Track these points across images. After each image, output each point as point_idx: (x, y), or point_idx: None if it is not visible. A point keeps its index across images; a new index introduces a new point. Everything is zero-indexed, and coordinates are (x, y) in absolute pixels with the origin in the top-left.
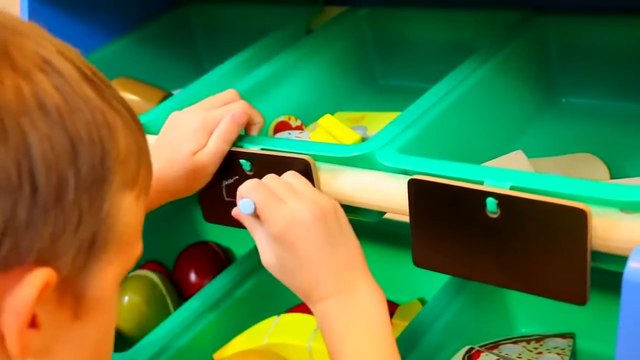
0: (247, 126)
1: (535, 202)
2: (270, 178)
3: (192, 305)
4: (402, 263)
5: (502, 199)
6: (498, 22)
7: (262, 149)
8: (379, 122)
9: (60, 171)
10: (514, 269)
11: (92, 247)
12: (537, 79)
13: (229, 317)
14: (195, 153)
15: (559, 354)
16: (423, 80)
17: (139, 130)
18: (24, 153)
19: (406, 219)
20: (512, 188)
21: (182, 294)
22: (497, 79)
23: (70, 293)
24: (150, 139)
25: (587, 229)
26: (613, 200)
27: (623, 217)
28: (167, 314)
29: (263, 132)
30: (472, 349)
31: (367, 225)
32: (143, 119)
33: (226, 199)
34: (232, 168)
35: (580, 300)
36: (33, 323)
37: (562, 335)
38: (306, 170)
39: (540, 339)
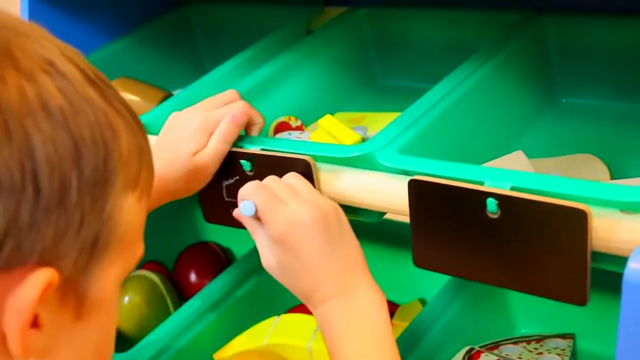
0: (248, 126)
1: (536, 202)
2: (271, 180)
3: (192, 305)
4: (402, 263)
5: (502, 199)
6: (498, 23)
7: (263, 150)
8: (379, 122)
9: (63, 172)
10: (514, 270)
11: (94, 248)
12: (537, 79)
13: (229, 317)
14: (195, 153)
15: (559, 354)
16: (423, 80)
17: (141, 132)
18: (27, 154)
19: (406, 219)
20: (512, 188)
21: (182, 294)
22: (497, 79)
23: (72, 294)
24: (151, 139)
25: (587, 230)
26: (613, 201)
27: (623, 218)
28: (167, 314)
29: (263, 133)
30: (472, 349)
31: (367, 225)
32: (143, 119)
33: (226, 199)
34: (232, 168)
35: (581, 301)
36: (35, 323)
37: (563, 336)
38: (306, 171)
39: (540, 339)
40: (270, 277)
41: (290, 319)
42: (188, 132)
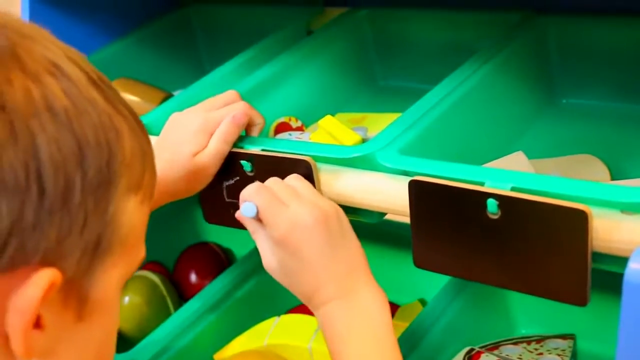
0: (248, 127)
1: (536, 203)
2: (272, 181)
3: (192, 306)
4: (402, 264)
5: (502, 200)
6: (498, 23)
7: (263, 150)
8: (379, 123)
9: (68, 173)
10: (514, 270)
11: (97, 249)
12: (538, 80)
13: (230, 317)
14: (195, 154)
15: (559, 354)
16: (423, 81)
17: (144, 135)
18: (32, 155)
19: (407, 220)
20: (512, 189)
21: (182, 295)
22: (497, 79)
23: (74, 295)
24: (151, 139)
25: (587, 230)
26: (614, 202)
27: (624, 218)
28: (168, 314)
29: (264, 133)
30: (472, 349)
31: (367, 226)
32: (144, 119)
33: (227, 199)
34: (232, 169)
35: (581, 301)
36: (38, 324)
37: (563, 336)
38: (307, 172)
39: (540, 339)
40: (271, 277)
41: (290, 320)
42: (188, 133)
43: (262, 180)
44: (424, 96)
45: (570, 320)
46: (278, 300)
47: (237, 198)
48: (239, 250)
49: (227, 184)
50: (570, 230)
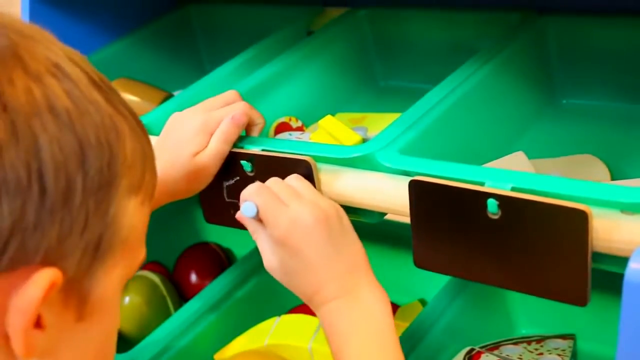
0: (248, 127)
1: (536, 203)
2: (273, 181)
3: (192, 306)
4: (402, 264)
5: (503, 200)
6: (498, 23)
7: (263, 150)
8: (379, 123)
9: (69, 173)
10: (514, 270)
11: (98, 250)
12: (538, 80)
13: (230, 318)
14: (196, 154)
15: (559, 354)
16: (424, 81)
17: (144, 136)
18: (34, 154)
19: (407, 220)
20: (513, 189)
21: (182, 295)
22: (497, 80)
23: (75, 295)
24: (151, 140)
25: (588, 230)
26: (614, 202)
27: (624, 219)
28: (168, 314)
29: (264, 133)
30: (472, 349)
31: (367, 226)
32: (144, 120)
33: (227, 200)
34: (233, 169)
35: (581, 302)
36: (38, 324)
37: (563, 336)
38: (307, 172)
39: (540, 339)
40: (271, 277)
41: (290, 320)
42: (189, 133)
43: (262, 180)
44: (424, 96)
45: (571, 320)
46: (278, 300)
47: (237, 198)
48: (239, 250)
49: (227, 184)
50: (570, 230)
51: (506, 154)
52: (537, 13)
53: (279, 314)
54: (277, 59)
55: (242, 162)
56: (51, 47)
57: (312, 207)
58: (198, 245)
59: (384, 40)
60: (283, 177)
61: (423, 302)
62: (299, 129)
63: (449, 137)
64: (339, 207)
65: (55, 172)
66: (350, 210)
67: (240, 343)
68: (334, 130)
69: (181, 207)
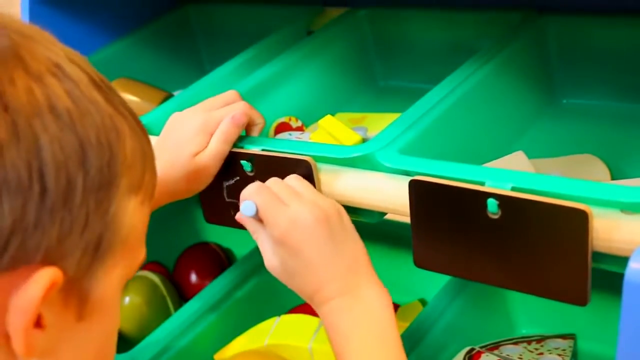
0: (248, 127)
1: (536, 203)
2: (273, 181)
3: (192, 306)
4: (402, 264)
5: (503, 199)
6: (498, 23)
7: (263, 150)
8: (379, 123)
9: (69, 172)
10: (514, 270)
11: (98, 250)
12: (538, 80)
13: (230, 318)
14: (196, 154)
15: (559, 354)
16: (424, 81)
17: (144, 136)
18: (34, 154)
19: (407, 219)
20: (513, 189)
21: (182, 295)
22: (497, 79)
23: (75, 294)
24: (151, 140)
25: (588, 230)
26: (614, 201)
27: (624, 218)
28: (168, 314)
29: (264, 133)
30: (472, 349)
31: (367, 226)
32: (144, 120)
33: (227, 199)
34: (233, 169)
35: (581, 301)
36: (38, 323)
37: (563, 336)
38: (307, 171)
39: (541, 339)
40: (271, 277)
41: (290, 320)
42: (189, 133)
43: (262, 180)
44: (424, 96)
45: (571, 320)
46: (278, 300)
47: (237, 198)
48: (239, 250)
49: (227, 184)
50: (570, 230)
51: (506, 154)
52: (537, 13)
53: (279, 314)
54: (277, 59)
55: (242, 162)
56: (51, 48)
57: (312, 206)
58: (198, 245)
59: (384, 40)
60: (283, 177)
61: (423, 302)
62: (299, 128)
63: (449, 136)
64: (340, 206)
65: (56, 171)
66: (350, 210)
67: (240, 343)
68: (333, 130)
69: (181, 207)
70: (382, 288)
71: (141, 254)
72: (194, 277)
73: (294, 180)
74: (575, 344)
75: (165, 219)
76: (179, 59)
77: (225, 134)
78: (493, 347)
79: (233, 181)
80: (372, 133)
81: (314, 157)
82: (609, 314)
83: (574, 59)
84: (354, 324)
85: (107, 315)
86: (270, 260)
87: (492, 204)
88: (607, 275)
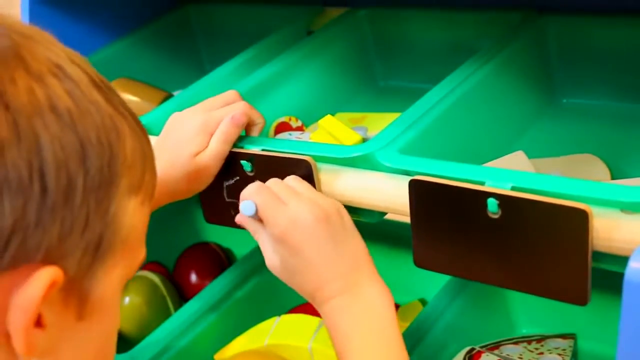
0: (248, 127)
1: (536, 202)
2: (272, 182)
3: (192, 306)
4: (402, 263)
5: (503, 199)
6: (498, 23)
7: (263, 150)
8: (379, 122)
9: (70, 172)
10: (515, 270)
11: (98, 249)
12: (538, 80)
13: (230, 318)
14: (196, 155)
15: (560, 354)
16: (424, 81)
17: (144, 137)
18: (35, 153)
19: (407, 219)
20: (513, 188)
21: (182, 295)
22: (497, 79)
23: (75, 294)
24: (151, 140)
25: (588, 230)
26: (614, 201)
27: (624, 218)
28: (168, 314)
29: (264, 133)
30: (473, 349)
31: (367, 225)
32: (144, 120)
33: (227, 199)
34: (233, 169)
35: (581, 301)
36: (39, 322)
37: (563, 336)
38: (307, 171)
39: (541, 339)
40: (271, 277)
41: (291, 320)
42: (189, 134)
43: (263, 180)
44: (424, 96)
45: (571, 319)
46: (278, 300)
47: (237, 198)
48: (239, 250)
49: (227, 184)
50: (570, 230)
51: (506, 154)
52: (537, 12)
53: (279, 314)
54: (277, 59)
55: (242, 162)
56: (52, 48)
57: (312, 205)
58: (198, 245)
59: (384, 40)
60: (283, 177)
61: (423, 301)
62: (299, 128)
63: (449, 136)
64: (341, 205)
65: (56, 171)
66: (350, 210)
67: (240, 343)
68: (333, 130)
69: (181, 207)
70: (383, 286)
71: (141, 254)
72: (194, 277)
73: (293, 180)
74: (575, 344)
75: (165, 219)
76: (179, 59)
77: (225, 134)
78: (493, 347)
79: (233, 181)
80: (372, 133)
81: (314, 157)
82: (609, 314)
83: (574, 59)
84: (356, 322)
85: (107, 315)
86: (271, 259)
87: (492, 204)
88: (607, 274)
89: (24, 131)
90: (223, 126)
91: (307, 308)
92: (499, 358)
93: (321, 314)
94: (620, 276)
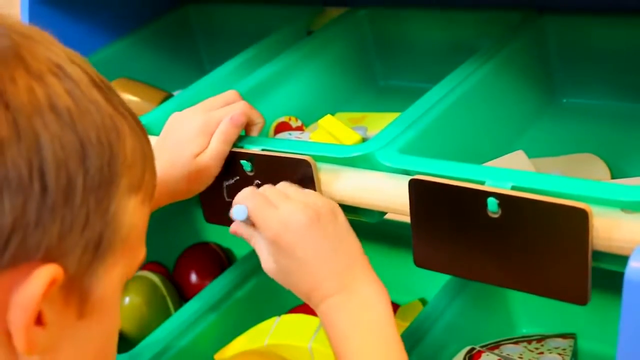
0: (248, 127)
1: (537, 202)
2: (264, 187)
3: (192, 306)
4: (402, 263)
5: (503, 199)
6: (498, 22)
7: (263, 150)
8: (379, 122)
9: (70, 171)
10: (515, 269)
11: (98, 248)
12: (538, 79)
13: (230, 318)
14: (197, 155)
15: (560, 354)
16: (423, 80)
17: (144, 136)
18: (35, 152)
19: (407, 219)
20: (513, 188)
21: (182, 295)
22: (497, 79)
23: (75, 292)
24: (151, 140)
25: (588, 229)
26: (614, 200)
27: (624, 217)
28: (168, 315)
29: (264, 133)
30: (473, 349)
31: (367, 225)
32: (144, 120)
33: (227, 199)
34: (233, 169)
35: (582, 300)
36: (39, 320)
37: (563, 336)
38: (307, 171)
39: (541, 339)
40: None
41: (290, 320)
42: (189, 134)
43: (262, 180)
44: (423, 95)
45: (571, 319)
46: (278, 300)
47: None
48: (239, 250)
49: (227, 183)
50: (570, 229)
51: (506, 153)
52: (537, 12)
53: (279, 314)
54: (277, 58)
55: (242, 161)
56: (52, 48)
57: (303, 206)
58: (198, 245)
59: (384, 40)
60: (283, 177)
61: (423, 301)
62: (299, 128)
63: (449, 136)
64: (335, 205)
65: (56, 170)
66: (350, 209)
67: (240, 343)
68: (333, 130)
69: (181, 207)
70: (379, 284)
71: (141, 253)
72: (194, 277)
73: (284, 185)
74: (575, 344)
75: (165, 219)
76: (179, 59)
77: (224, 134)
78: (493, 347)
79: (233, 181)
80: (372, 132)
81: (313, 156)
82: (609, 313)
83: (573, 59)
84: (353, 320)
85: (108, 313)
86: (267, 261)
87: (492, 203)
88: (607, 274)
89: (23, 130)
90: (222, 126)
91: (307, 308)
92: (499, 358)
93: (318, 313)
94: (620, 276)
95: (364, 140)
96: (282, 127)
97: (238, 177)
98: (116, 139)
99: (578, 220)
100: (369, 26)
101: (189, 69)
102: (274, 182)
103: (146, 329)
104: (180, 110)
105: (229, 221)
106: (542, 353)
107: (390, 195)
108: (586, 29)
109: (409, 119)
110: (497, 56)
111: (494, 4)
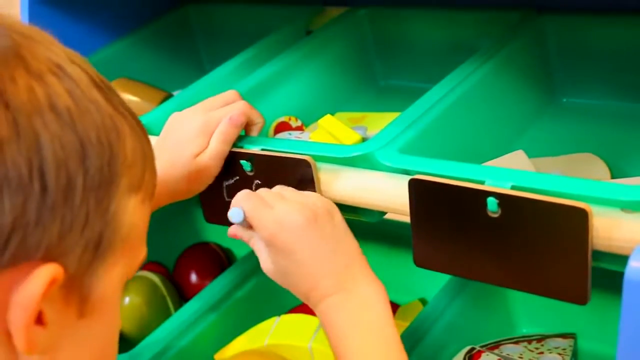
0: (247, 127)
1: (536, 201)
2: (260, 190)
3: (192, 306)
4: (402, 263)
5: (503, 198)
6: (498, 22)
7: (263, 150)
8: (379, 122)
9: (70, 170)
10: (515, 269)
11: (98, 247)
12: (538, 79)
13: (230, 318)
14: (197, 155)
15: (560, 354)
16: (423, 80)
17: (144, 136)
18: (35, 152)
19: (407, 219)
20: (513, 188)
21: (182, 295)
22: (497, 78)
23: (76, 292)
24: (151, 140)
25: (588, 229)
26: (614, 200)
27: (624, 217)
28: (168, 315)
29: (263, 133)
30: (473, 349)
31: (367, 225)
32: (143, 120)
33: (227, 199)
34: (232, 169)
35: (582, 300)
36: (40, 320)
37: (563, 336)
38: (307, 171)
39: (541, 339)
40: None
41: (290, 319)
42: (189, 134)
43: (262, 180)
44: (423, 95)
45: (571, 319)
46: (278, 300)
47: None
48: (239, 250)
49: (227, 183)
50: (570, 229)
51: (506, 153)
52: (536, 12)
53: (279, 314)
54: (276, 58)
55: (242, 161)
56: (52, 48)
57: (299, 206)
58: (198, 245)
59: (384, 40)
60: (283, 177)
61: (423, 301)
62: (299, 128)
63: (449, 135)
64: (332, 204)
65: (56, 169)
66: (350, 209)
67: (240, 343)
68: (333, 130)
69: (181, 207)
70: (377, 283)
71: (142, 253)
72: (194, 277)
73: (280, 187)
74: (575, 343)
75: (165, 219)
76: (179, 59)
77: (224, 134)
78: (493, 347)
79: (233, 181)
80: (371, 132)
81: (313, 156)
82: (609, 313)
83: (573, 58)
84: (352, 319)
85: (108, 313)
86: (265, 262)
87: (492, 203)
88: (607, 274)
89: (23, 130)
90: (222, 126)
91: (306, 308)
92: (499, 358)
93: (317, 313)
94: (620, 275)
95: (363, 140)
96: (282, 127)
97: (238, 177)
98: (116, 138)
99: (578, 220)
100: (369, 26)
101: (189, 69)
102: (274, 182)
103: (146, 329)
104: (180, 110)
105: (228, 221)
106: (542, 353)
107: (390, 195)
108: (586, 28)
109: (409, 119)
110: (497, 56)
111: (494, 4)
